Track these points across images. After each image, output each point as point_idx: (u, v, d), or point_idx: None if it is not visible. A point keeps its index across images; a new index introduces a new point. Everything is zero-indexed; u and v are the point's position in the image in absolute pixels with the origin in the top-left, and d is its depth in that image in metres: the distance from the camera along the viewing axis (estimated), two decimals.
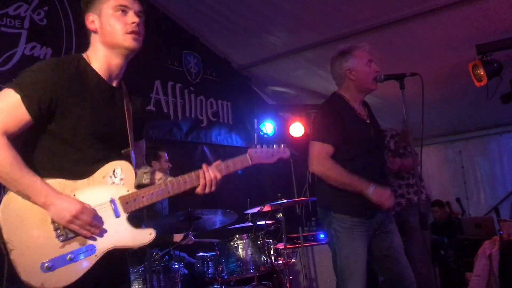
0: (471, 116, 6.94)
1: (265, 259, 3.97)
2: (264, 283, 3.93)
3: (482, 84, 4.49)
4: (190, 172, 1.97)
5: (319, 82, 6.40)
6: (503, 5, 4.57)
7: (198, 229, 4.23)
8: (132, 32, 1.85)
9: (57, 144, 1.80)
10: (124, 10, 1.85)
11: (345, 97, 3.04)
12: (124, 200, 1.83)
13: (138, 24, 1.86)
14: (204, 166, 1.98)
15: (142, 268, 3.56)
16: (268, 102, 7.20)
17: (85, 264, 1.73)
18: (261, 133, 6.24)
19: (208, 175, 1.95)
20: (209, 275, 4.04)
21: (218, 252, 4.00)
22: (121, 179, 1.86)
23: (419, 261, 4.11)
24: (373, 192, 2.81)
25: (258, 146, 2.16)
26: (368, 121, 3.05)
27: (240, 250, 3.96)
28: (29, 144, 1.81)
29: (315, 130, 3.05)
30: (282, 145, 2.23)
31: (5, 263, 1.66)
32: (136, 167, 2.05)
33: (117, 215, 1.82)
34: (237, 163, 2.08)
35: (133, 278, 3.50)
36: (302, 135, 6.43)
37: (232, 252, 3.96)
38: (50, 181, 1.74)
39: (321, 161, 2.90)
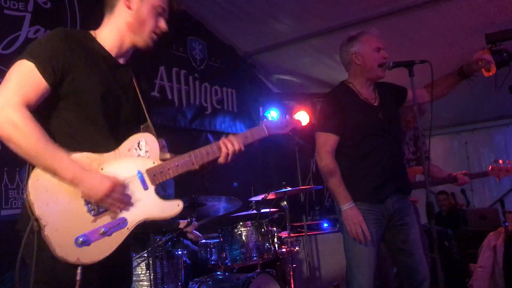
0: (478, 107, 6.89)
1: (268, 246, 3.96)
2: (267, 271, 3.91)
3: (490, 74, 4.43)
4: (211, 144, 2.01)
5: (325, 71, 6.35)
6: None
7: (202, 216, 4.22)
8: (156, 35, 1.98)
9: (73, 117, 1.77)
10: (161, 13, 1.97)
11: (351, 84, 3.02)
12: (152, 172, 1.84)
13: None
14: (224, 137, 2.02)
15: (146, 254, 3.55)
16: (273, 90, 7.15)
17: (118, 237, 1.73)
18: None
19: (231, 146, 1.99)
20: (212, 262, 4.04)
21: (221, 239, 4.00)
22: (146, 151, 1.88)
23: None
24: (346, 210, 2.82)
25: (268, 118, 2.21)
26: (376, 104, 2.99)
27: (243, 238, 3.95)
28: (46, 121, 1.77)
29: (318, 120, 3.07)
30: (293, 116, 2.31)
31: (35, 239, 1.62)
32: None
33: (145, 188, 1.82)
34: (254, 134, 2.11)
35: (136, 264, 3.50)
36: (307, 124, 6.40)
37: (235, 239, 3.95)
38: (77, 155, 1.71)
39: (323, 157, 2.91)
